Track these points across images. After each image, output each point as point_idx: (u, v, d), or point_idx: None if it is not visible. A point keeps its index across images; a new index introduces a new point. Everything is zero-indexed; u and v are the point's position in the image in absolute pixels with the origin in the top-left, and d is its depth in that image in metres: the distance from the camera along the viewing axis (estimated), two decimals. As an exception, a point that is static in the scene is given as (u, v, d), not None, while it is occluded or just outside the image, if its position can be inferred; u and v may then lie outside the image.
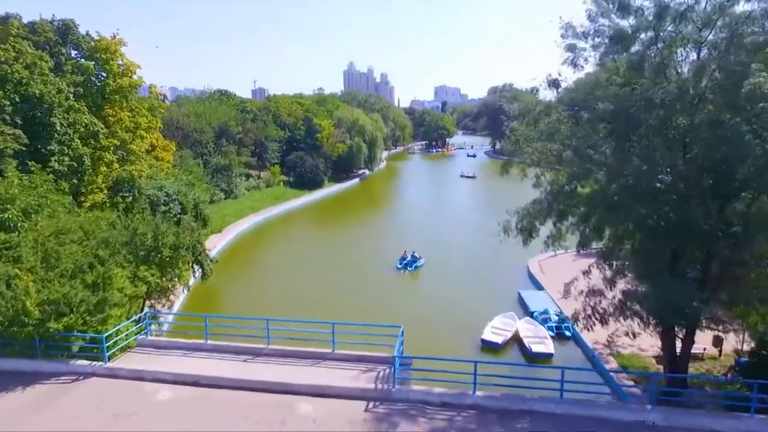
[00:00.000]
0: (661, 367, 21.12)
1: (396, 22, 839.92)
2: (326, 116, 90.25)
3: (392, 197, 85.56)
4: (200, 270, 27.83)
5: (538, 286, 34.17)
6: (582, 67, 18.39)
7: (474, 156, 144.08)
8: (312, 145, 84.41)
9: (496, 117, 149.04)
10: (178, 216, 33.98)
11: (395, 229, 55.39)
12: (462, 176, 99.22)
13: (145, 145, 39.78)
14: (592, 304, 18.94)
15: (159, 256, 19.95)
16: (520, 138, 20.67)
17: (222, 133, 64.90)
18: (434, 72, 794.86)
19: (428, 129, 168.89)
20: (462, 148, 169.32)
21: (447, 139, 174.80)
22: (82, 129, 31.13)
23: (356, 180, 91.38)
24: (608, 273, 19.43)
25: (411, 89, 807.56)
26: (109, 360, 16.87)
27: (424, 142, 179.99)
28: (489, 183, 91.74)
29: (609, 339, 20.08)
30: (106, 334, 16.69)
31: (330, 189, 79.75)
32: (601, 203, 17.16)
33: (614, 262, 19.68)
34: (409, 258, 39.95)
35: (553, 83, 18.90)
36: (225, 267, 36.80)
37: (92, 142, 32.36)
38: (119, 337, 17.43)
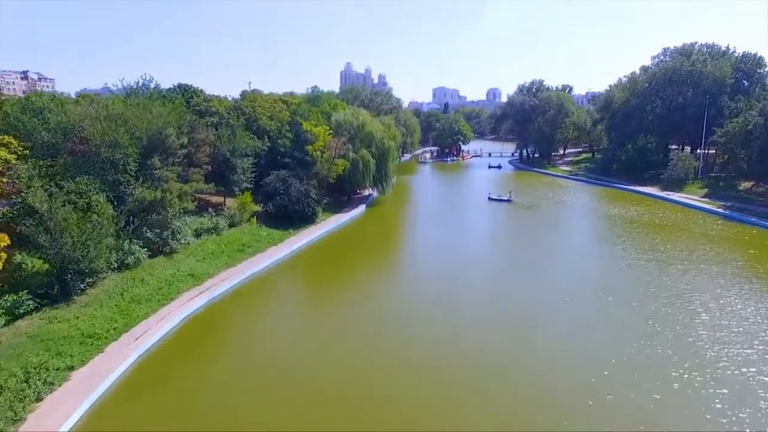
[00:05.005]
0: None
1: (392, 23, 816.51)
2: (321, 120, 65.92)
3: (419, 240, 54.34)
4: None
5: None
6: None
7: (498, 167, 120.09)
8: (300, 161, 60.16)
9: (524, 119, 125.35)
10: None
11: (469, 314, 30.75)
12: (491, 199, 74.44)
13: None
14: None
15: None
16: None
17: (154, 148, 40.55)
18: (431, 73, 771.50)
19: (441, 134, 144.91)
20: (478, 156, 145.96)
21: (462, 146, 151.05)
22: None
23: (361, 208, 66.30)
24: None
25: (408, 91, 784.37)
26: None
27: (433, 149, 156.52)
28: (534, 212, 66.88)
29: None
30: None
31: (326, 226, 54.51)
32: None
33: None
34: None
35: None
36: None
37: None
38: None
